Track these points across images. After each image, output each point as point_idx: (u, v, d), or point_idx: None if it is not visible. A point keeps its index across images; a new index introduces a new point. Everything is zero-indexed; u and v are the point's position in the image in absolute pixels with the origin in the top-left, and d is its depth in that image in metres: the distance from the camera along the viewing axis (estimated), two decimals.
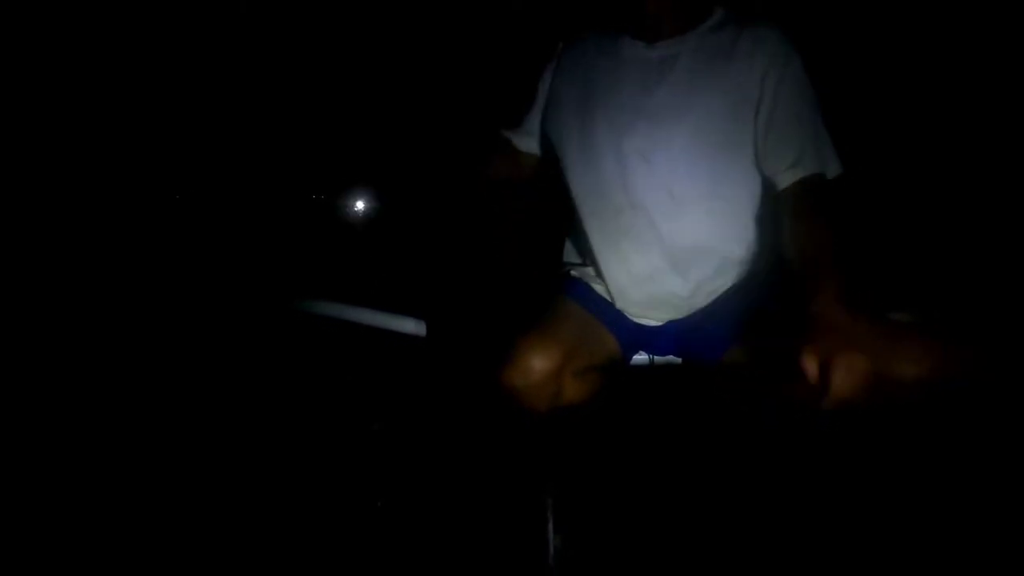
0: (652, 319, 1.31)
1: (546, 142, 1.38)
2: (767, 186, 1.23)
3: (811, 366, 0.94)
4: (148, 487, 1.44)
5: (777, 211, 1.20)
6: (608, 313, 1.31)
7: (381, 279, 1.72)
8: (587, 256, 1.35)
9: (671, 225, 1.23)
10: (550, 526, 1.24)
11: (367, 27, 1.86)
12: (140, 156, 1.87)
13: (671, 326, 1.30)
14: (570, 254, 1.42)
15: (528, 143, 1.42)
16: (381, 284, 1.68)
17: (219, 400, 1.63)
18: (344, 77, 1.89)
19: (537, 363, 1.18)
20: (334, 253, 1.84)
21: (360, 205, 1.86)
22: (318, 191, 1.90)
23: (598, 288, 1.33)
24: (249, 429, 1.57)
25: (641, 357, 1.36)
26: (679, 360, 1.35)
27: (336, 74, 1.89)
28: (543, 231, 1.49)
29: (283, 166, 1.93)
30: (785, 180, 1.18)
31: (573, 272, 1.38)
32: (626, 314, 1.31)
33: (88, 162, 1.83)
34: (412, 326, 1.42)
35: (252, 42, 1.86)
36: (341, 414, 1.62)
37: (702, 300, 1.27)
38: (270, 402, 1.63)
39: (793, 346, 0.97)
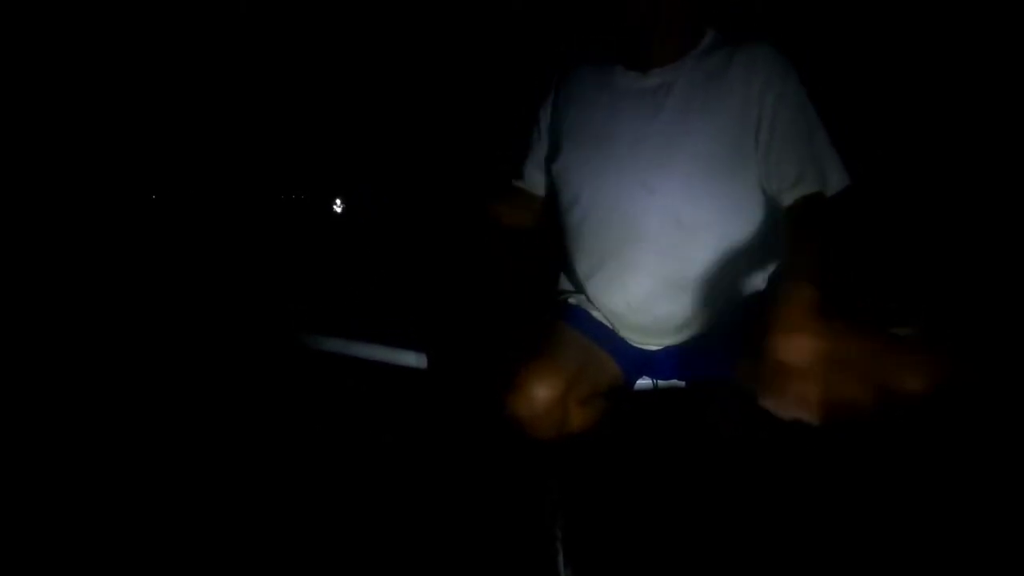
0: (651, 344, 1.30)
1: (547, 180, 1.39)
2: (768, 204, 1.23)
3: (770, 346, 0.96)
4: (157, 499, 1.43)
5: (780, 225, 1.21)
6: (609, 339, 1.30)
7: (381, 312, 1.71)
8: (583, 286, 1.34)
9: (675, 255, 1.22)
10: (560, 557, 1.22)
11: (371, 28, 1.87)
12: (130, 161, 1.86)
13: (672, 350, 1.29)
14: (565, 282, 1.41)
15: (538, 187, 1.43)
16: (381, 318, 1.67)
17: (220, 437, 1.62)
18: (347, 76, 1.89)
19: (541, 392, 1.17)
20: (334, 286, 1.83)
21: (360, 205, 1.85)
22: (320, 188, 1.89)
23: (597, 315, 1.32)
24: (253, 466, 1.56)
25: (645, 382, 1.35)
26: (683, 384, 1.34)
27: (339, 74, 1.89)
28: (540, 259, 1.49)
29: (282, 193, 1.93)
30: (787, 199, 1.19)
31: (571, 299, 1.37)
32: (626, 339, 1.30)
33: (73, 164, 1.83)
34: (413, 359, 1.41)
35: (253, 51, 1.87)
36: (347, 447, 1.60)
37: (702, 325, 1.27)
38: (274, 439, 1.61)
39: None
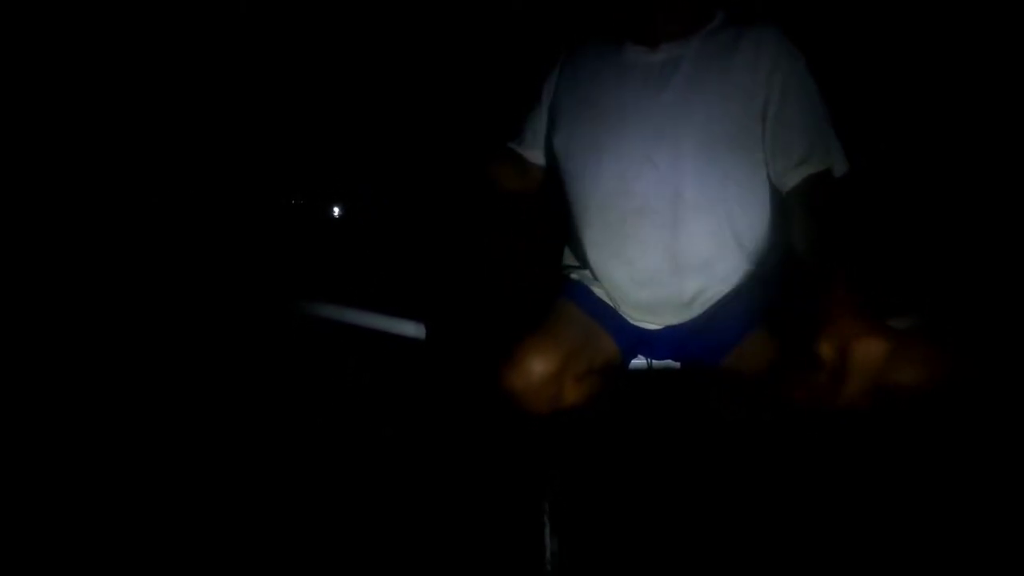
0: (652, 323, 1.31)
1: (549, 151, 1.38)
2: (772, 187, 1.23)
3: (829, 351, 0.94)
4: (154, 492, 1.44)
5: (786, 207, 1.21)
6: (608, 316, 1.31)
7: (381, 281, 1.71)
8: (588, 260, 1.34)
9: (676, 231, 1.22)
10: (547, 530, 1.24)
11: (368, 28, 1.86)
12: (129, 164, 1.87)
13: (671, 330, 1.30)
14: (569, 257, 1.42)
15: (537, 155, 1.43)
16: (381, 286, 1.68)
17: (219, 402, 1.63)
18: (347, 75, 1.89)
19: (537, 366, 1.18)
20: (333, 255, 1.83)
21: (360, 206, 1.86)
22: (320, 192, 1.90)
23: (598, 291, 1.32)
24: (249, 431, 1.57)
25: (640, 361, 1.36)
26: (678, 365, 1.35)
27: (338, 73, 1.89)
28: (544, 233, 1.49)
29: (282, 167, 1.93)
30: (794, 178, 1.18)
31: (573, 275, 1.37)
32: (626, 317, 1.31)
33: (71, 166, 1.83)
34: (412, 329, 1.41)
35: (256, 40, 1.86)
36: (341, 416, 1.62)
37: (703, 305, 1.27)
38: (269, 404, 1.62)
39: (807, 335, 0.96)
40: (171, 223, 1.86)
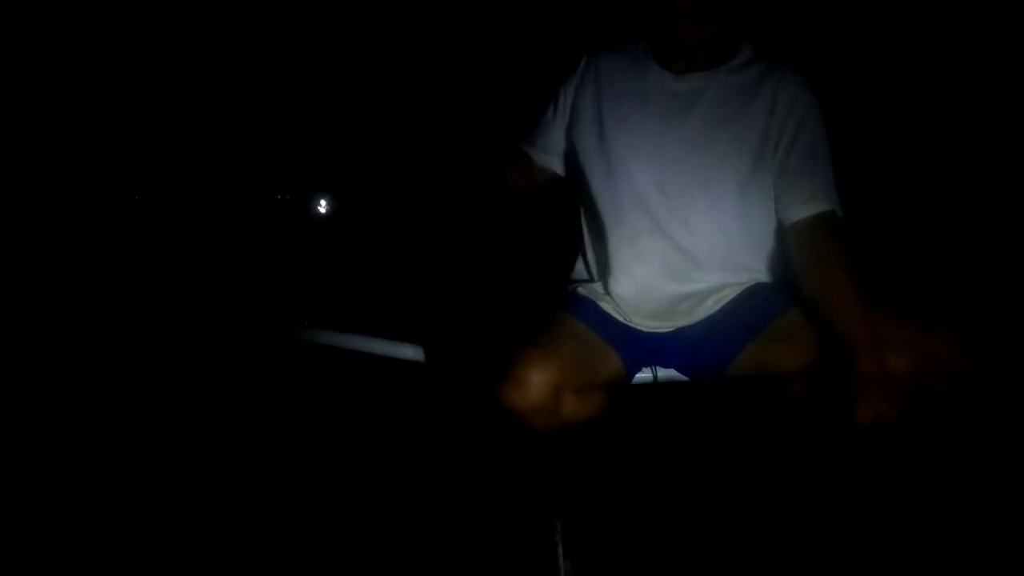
0: (663, 327, 1.31)
1: (564, 160, 1.40)
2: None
3: (867, 418, 1.05)
4: (153, 509, 1.41)
5: (789, 243, 1.24)
6: (613, 331, 1.30)
7: (378, 306, 1.70)
8: (596, 271, 1.36)
9: (686, 251, 1.27)
10: (560, 550, 1.21)
11: (374, 30, 1.87)
12: (113, 161, 1.86)
13: (681, 334, 1.30)
14: (578, 272, 1.43)
15: (544, 158, 1.43)
16: (378, 310, 1.67)
17: (215, 426, 1.60)
18: (346, 86, 1.89)
19: (534, 378, 1.15)
20: (331, 279, 1.82)
21: (356, 226, 1.84)
22: (316, 215, 1.89)
23: (605, 306, 1.32)
24: (250, 459, 1.54)
25: (644, 375, 1.34)
26: (683, 376, 1.33)
27: (336, 70, 1.89)
28: (551, 250, 1.49)
29: (279, 189, 1.93)
30: (799, 214, 1.22)
31: (580, 289, 1.37)
32: (634, 325, 1.30)
33: (57, 163, 1.82)
34: (410, 352, 1.40)
35: (258, 42, 1.87)
36: (344, 441, 1.59)
37: (711, 308, 1.29)
38: (271, 432, 1.60)
39: (842, 394, 1.08)
40: (158, 227, 1.84)
